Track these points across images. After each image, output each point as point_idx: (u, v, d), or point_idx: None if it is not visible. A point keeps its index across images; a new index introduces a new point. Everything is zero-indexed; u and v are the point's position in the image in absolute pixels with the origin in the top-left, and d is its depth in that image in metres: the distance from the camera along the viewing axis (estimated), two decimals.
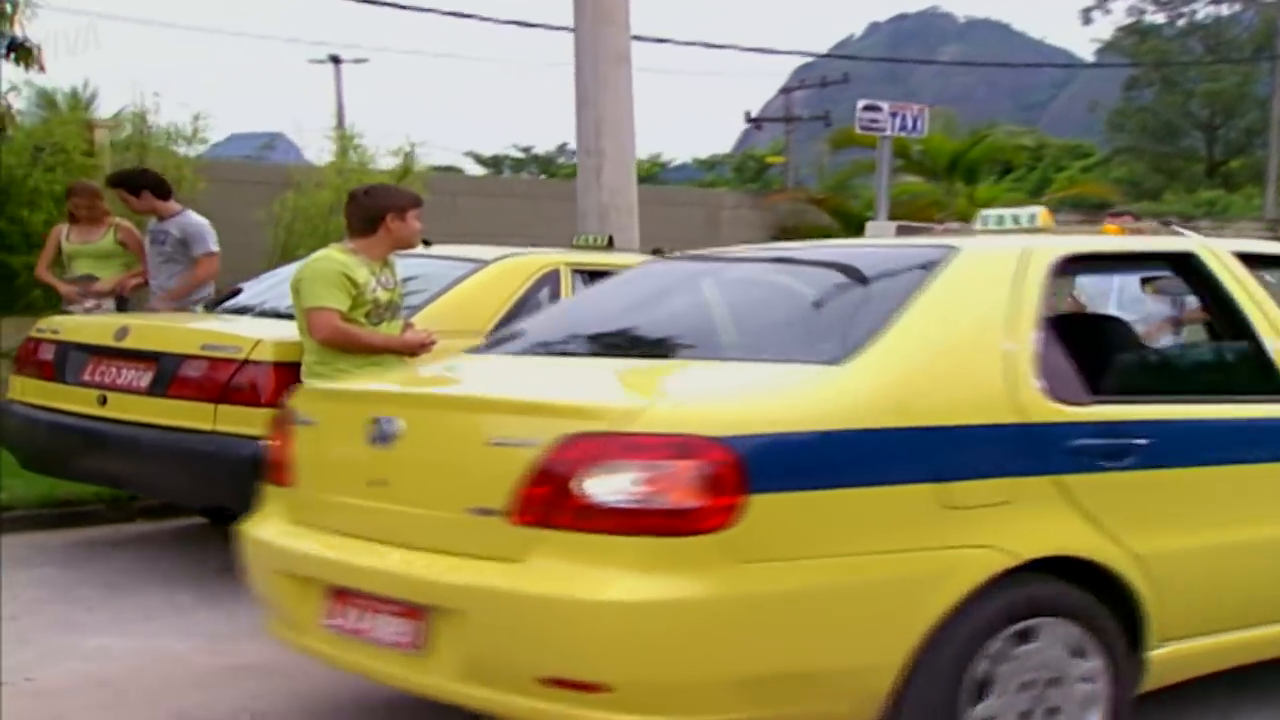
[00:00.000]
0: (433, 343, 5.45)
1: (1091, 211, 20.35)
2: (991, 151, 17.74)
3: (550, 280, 6.32)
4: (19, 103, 11.01)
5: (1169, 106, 47.97)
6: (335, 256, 5.28)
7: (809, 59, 71.21)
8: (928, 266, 3.64)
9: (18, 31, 10.47)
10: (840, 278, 4.07)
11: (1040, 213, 4.39)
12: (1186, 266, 4.26)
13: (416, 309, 5.90)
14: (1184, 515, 3.74)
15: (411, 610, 3.26)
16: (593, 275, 6.71)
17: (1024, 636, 3.36)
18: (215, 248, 7.54)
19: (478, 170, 45.34)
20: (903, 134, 12.69)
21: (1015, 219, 4.44)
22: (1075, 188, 20.90)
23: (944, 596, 3.19)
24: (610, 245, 7.33)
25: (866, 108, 12.25)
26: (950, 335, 3.48)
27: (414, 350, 5.31)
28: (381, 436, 3.41)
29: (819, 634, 3.09)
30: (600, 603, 2.94)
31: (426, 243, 6.76)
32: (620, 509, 2.99)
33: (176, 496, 6.03)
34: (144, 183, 7.66)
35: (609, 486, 3.00)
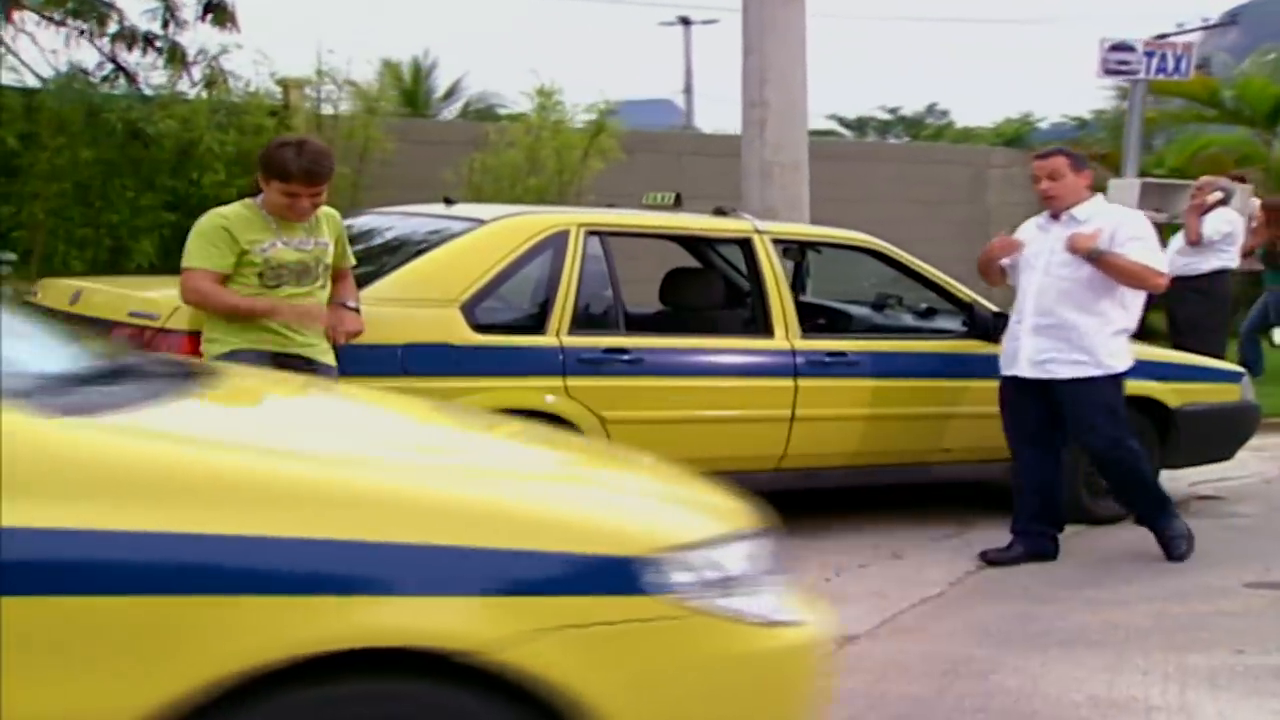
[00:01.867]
0: (356, 331, 5.03)
1: None
2: None
3: (554, 244, 5.76)
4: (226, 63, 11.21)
5: None
6: (221, 212, 4.96)
7: None
8: None
9: None
10: None
11: None
12: None
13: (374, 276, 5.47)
14: None
15: None
16: (614, 237, 6.12)
17: None
18: None
19: (847, 135, 44.38)
20: (1160, 76, 11.26)
21: None
22: None
23: None
24: (678, 204, 6.66)
25: (1114, 47, 10.91)
26: None
27: (302, 318, 4.85)
28: None
29: None
30: None
31: (448, 201, 6.31)
32: None
33: None
34: None
35: None
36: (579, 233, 5.81)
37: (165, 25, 10.88)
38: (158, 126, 9.82)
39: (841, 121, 48.49)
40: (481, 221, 5.78)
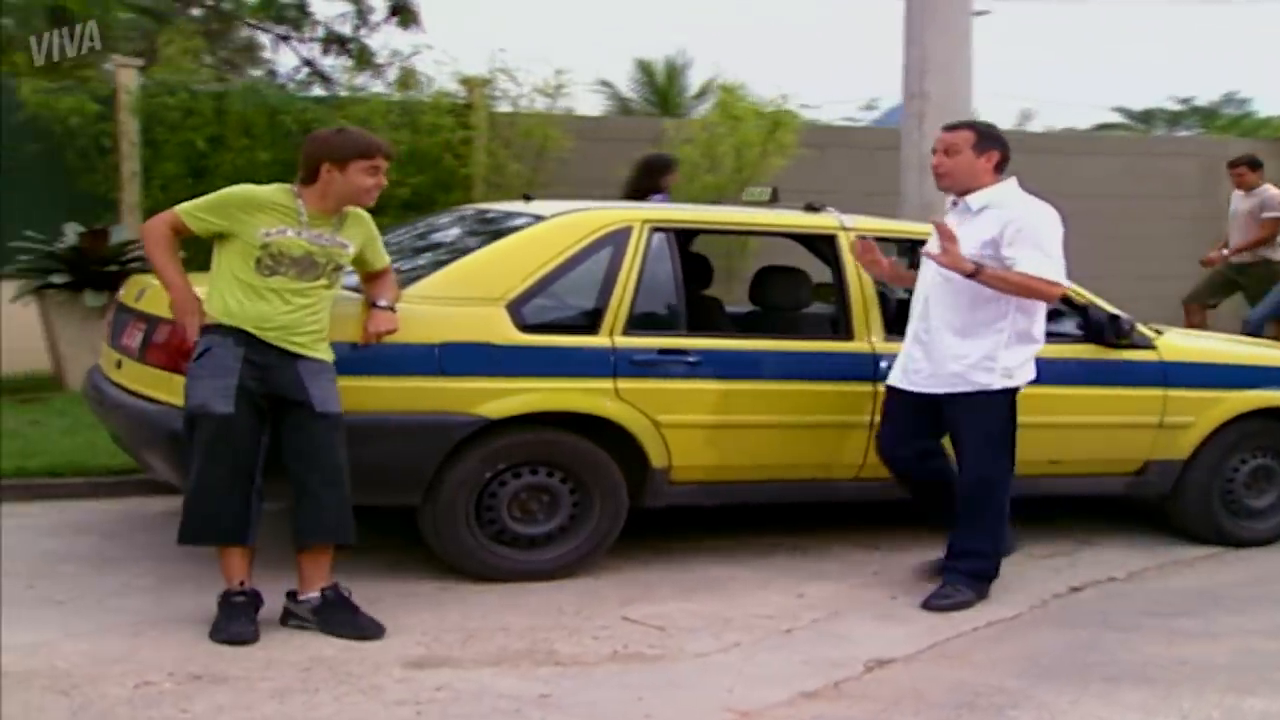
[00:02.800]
0: (387, 330, 5.05)
1: None
2: None
3: (614, 241, 5.61)
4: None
5: None
6: (247, 186, 4.92)
7: None
8: None
9: None
10: None
11: None
12: None
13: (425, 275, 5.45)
14: None
15: None
16: (688, 235, 5.93)
17: None
18: None
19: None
20: None
21: None
22: None
23: None
24: (774, 200, 6.42)
25: None
26: None
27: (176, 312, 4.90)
28: None
29: None
30: None
31: (527, 197, 6.24)
32: None
33: (149, 473, 5.81)
34: None
35: None
36: (643, 229, 5.65)
37: (356, 29, 11.24)
38: (331, 127, 10.08)
39: (1127, 114, 46.50)
40: (542, 218, 5.68)
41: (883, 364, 5.77)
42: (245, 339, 4.70)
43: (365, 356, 5.06)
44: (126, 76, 10.46)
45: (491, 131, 11.04)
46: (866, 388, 5.79)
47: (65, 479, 6.58)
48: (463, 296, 5.35)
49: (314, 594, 4.76)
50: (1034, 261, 5.12)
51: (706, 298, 6.35)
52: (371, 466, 5.08)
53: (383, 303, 5.10)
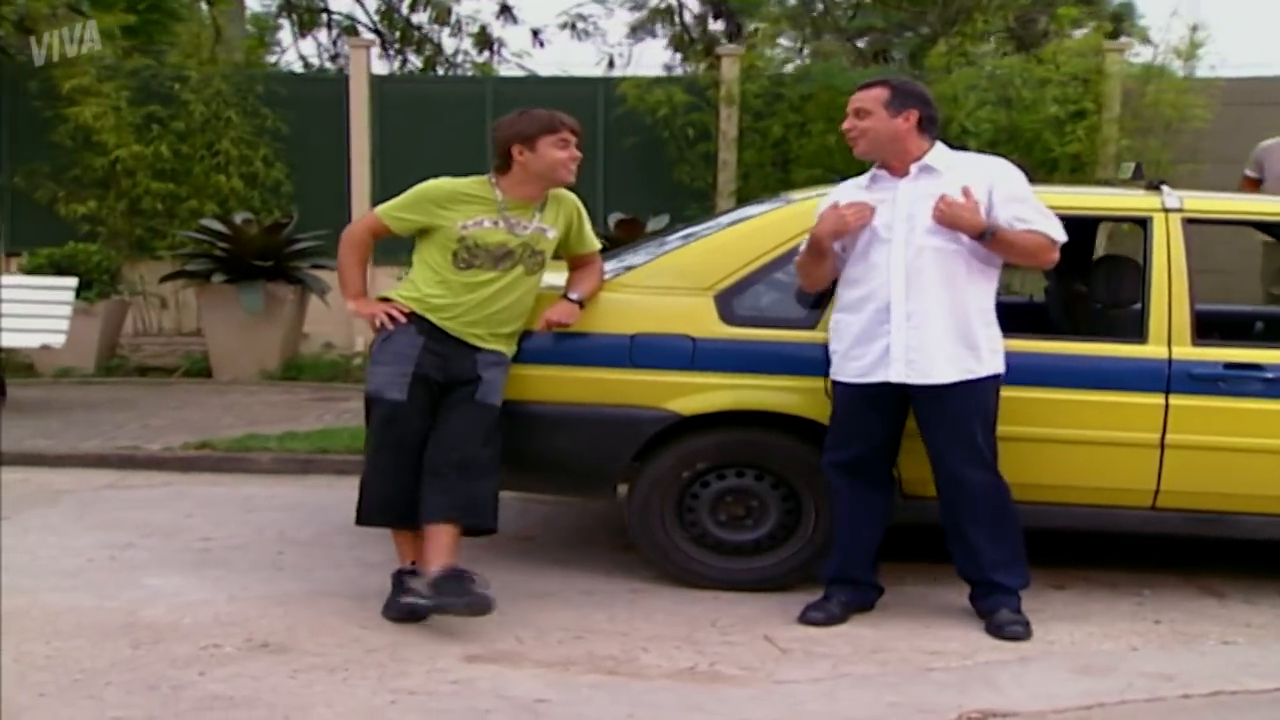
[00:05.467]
0: (559, 322, 5.32)
1: None
2: None
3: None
4: None
5: None
6: (443, 180, 5.24)
7: None
8: None
9: None
10: None
11: None
12: None
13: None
14: None
15: None
16: None
17: None
18: None
19: None
20: None
21: None
22: None
23: None
24: (1137, 176, 5.77)
25: None
26: None
27: (368, 316, 5.28)
28: None
29: None
30: None
31: (840, 177, 6.10)
32: None
33: None
34: None
35: None
36: None
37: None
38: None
39: None
40: (791, 202, 5.59)
41: (1175, 372, 5.12)
42: (428, 328, 5.16)
43: (561, 346, 5.33)
44: (729, 66, 11.22)
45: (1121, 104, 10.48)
46: (1154, 400, 5.12)
47: None
48: (669, 286, 5.41)
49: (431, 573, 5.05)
50: (1039, 219, 4.80)
51: None
52: (558, 458, 5.38)
53: (574, 295, 5.34)
